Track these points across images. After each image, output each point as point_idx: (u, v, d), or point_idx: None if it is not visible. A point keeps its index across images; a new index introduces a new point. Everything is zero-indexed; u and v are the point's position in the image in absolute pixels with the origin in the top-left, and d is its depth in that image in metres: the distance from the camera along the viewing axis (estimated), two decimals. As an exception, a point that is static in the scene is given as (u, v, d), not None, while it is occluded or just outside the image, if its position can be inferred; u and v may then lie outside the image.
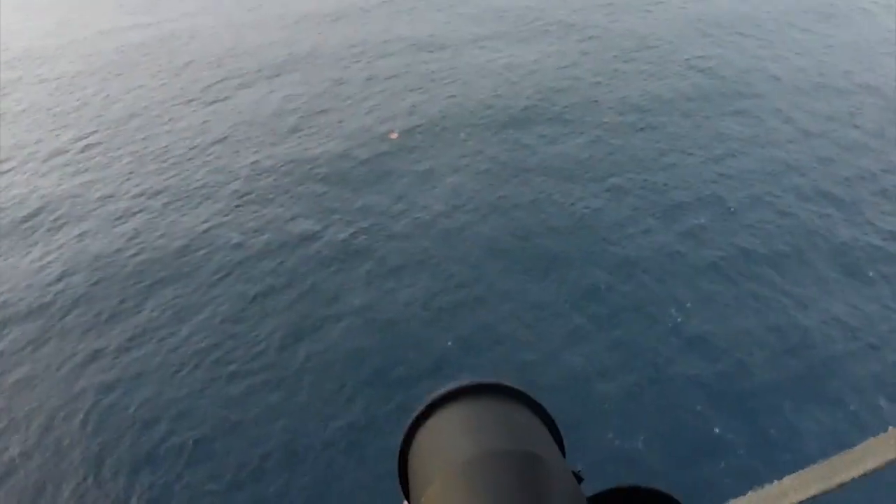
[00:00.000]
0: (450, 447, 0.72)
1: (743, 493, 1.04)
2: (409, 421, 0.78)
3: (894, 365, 7.29)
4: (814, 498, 1.03)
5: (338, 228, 9.93)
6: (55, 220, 11.02)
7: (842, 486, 1.05)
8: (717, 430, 6.65)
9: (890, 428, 1.08)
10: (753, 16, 17.63)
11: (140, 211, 10.96)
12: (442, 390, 0.78)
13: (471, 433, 0.73)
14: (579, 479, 0.71)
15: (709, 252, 8.99)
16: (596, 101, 12.97)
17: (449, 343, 7.83)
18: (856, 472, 1.05)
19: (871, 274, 8.53)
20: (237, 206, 10.73)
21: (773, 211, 9.72)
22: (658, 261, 8.83)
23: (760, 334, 7.71)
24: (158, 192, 11.46)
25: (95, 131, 14.09)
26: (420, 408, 0.78)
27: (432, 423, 0.77)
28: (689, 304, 8.10)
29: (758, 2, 18.60)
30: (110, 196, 11.53)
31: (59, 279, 9.56)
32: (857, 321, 7.81)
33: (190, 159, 12.42)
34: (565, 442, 0.77)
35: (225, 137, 13.14)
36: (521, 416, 0.76)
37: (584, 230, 9.55)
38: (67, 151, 13.33)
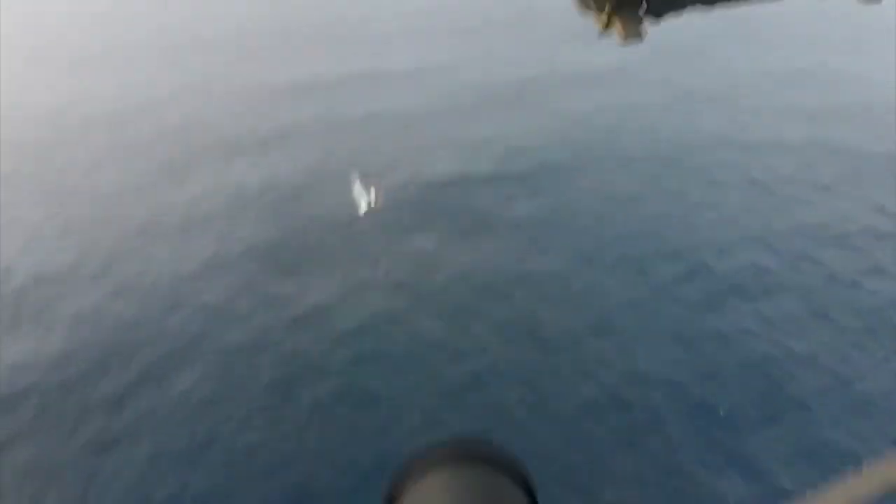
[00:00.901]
0: None
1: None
2: (385, 490, 0.77)
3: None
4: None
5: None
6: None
7: None
8: None
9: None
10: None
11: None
12: (417, 456, 0.77)
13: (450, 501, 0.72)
14: None
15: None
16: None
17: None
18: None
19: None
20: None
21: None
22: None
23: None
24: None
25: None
26: (396, 475, 0.77)
27: (413, 490, 0.75)
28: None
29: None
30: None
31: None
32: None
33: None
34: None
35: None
36: (500, 481, 0.74)
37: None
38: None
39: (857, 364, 7.84)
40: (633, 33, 1.14)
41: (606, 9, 1.13)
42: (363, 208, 12.00)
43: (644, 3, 1.13)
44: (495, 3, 27.35)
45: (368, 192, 12.34)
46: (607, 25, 1.14)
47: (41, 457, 7.69)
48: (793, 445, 6.89)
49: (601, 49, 19.02)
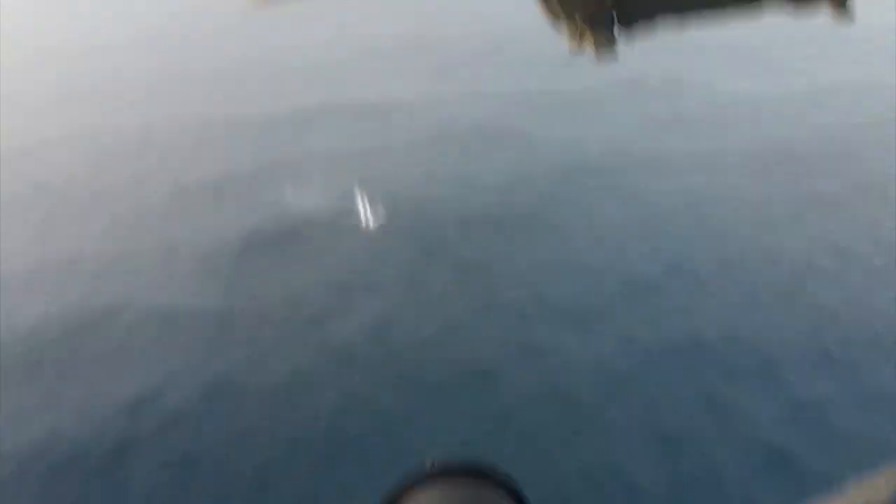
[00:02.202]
0: None
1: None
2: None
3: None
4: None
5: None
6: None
7: None
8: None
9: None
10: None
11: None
12: (415, 474, 0.77)
13: None
14: None
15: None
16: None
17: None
18: None
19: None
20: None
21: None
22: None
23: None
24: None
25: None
26: (391, 493, 0.77)
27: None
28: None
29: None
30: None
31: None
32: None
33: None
34: None
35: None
36: (494, 499, 0.75)
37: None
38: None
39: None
40: (607, 49, 1.12)
41: (578, 24, 1.11)
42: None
43: (615, 18, 1.12)
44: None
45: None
46: (580, 42, 1.12)
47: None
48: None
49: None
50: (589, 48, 1.16)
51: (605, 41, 1.14)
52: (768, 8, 1.24)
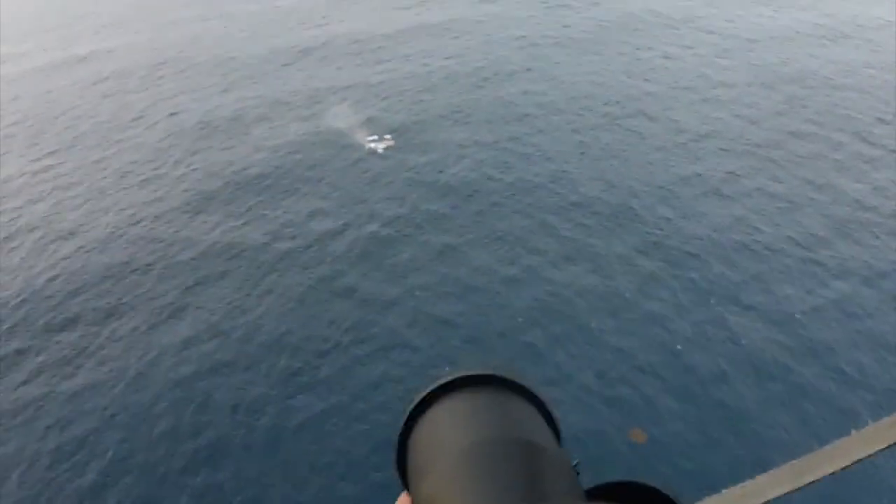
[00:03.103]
0: (448, 436, 0.72)
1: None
2: (408, 410, 0.77)
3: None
4: (786, 495, 1.07)
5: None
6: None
7: (812, 483, 1.09)
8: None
9: (853, 431, 1.16)
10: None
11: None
12: (441, 380, 0.77)
13: (469, 423, 0.73)
14: (576, 472, 0.71)
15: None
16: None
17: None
18: (827, 470, 1.09)
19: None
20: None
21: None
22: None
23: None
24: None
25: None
26: (419, 397, 0.78)
27: (431, 412, 0.77)
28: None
29: None
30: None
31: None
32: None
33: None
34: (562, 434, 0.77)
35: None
36: (519, 406, 0.75)
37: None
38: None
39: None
40: None
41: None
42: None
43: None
44: None
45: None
46: None
47: None
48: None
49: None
50: None
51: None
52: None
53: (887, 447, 1.14)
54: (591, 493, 0.69)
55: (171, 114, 16.40)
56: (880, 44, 17.83)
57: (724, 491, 1.03)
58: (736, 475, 1.05)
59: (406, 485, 0.75)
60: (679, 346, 8.84)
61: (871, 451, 1.12)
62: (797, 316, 9.24)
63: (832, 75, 16.13)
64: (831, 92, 15.21)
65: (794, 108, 14.67)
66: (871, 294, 9.52)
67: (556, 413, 0.77)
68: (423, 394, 0.78)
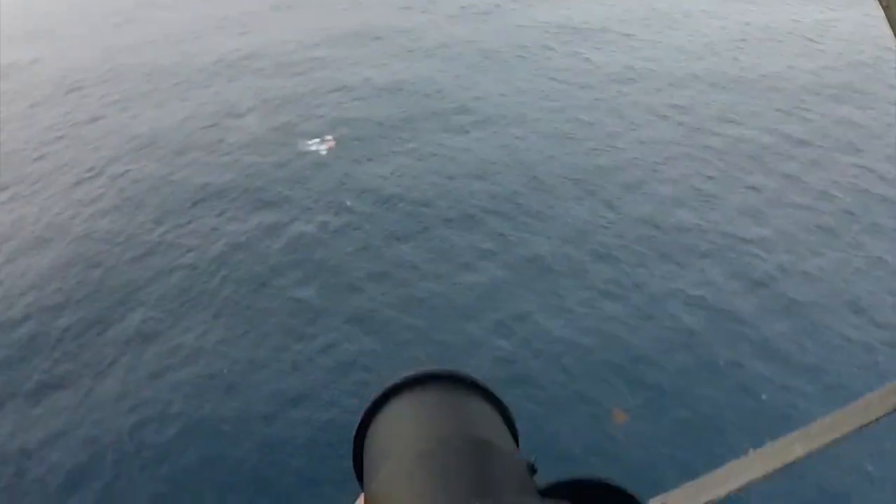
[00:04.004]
0: (403, 434, 0.73)
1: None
2: (365, 408, 0.78)
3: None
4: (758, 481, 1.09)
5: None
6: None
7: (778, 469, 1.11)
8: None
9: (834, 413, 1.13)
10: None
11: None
12: (398, 379, 0.78)
13: (424, 421, 0.74)
14: (533, 471, 0.70)
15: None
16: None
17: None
18: (799, 452, 1.10)
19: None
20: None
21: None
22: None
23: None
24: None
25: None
26: (375, 395, 0.78)
27: (387, 410, 0.77)
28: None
29: None
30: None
31: None
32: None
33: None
34: (520, 433, 0.78)
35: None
36: (476, 405, 0.76)
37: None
38: None
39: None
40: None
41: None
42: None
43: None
44: None
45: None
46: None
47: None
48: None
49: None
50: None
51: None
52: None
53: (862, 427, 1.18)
54: (546, 491, 0.68)
55: (99, 125, 16.09)
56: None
57: (701, 477, 1.06)
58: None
59: (361, 481, 0.76)
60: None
61: (846, 431, 1.17)
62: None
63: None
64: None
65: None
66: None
67: (513, 411, 0.78)
68: (379, 392, 0.78)
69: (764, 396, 7.77)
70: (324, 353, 8.83)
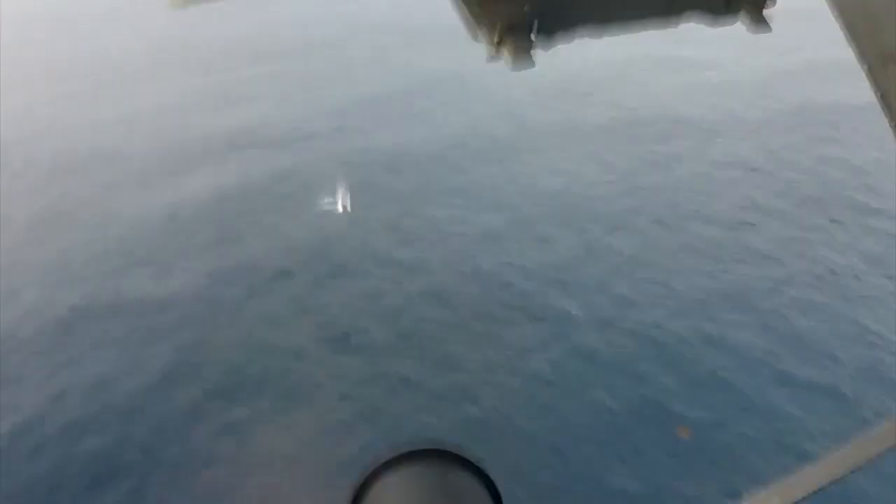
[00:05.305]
0: None
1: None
2: (356, 484, 0.78)
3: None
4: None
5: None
6: None
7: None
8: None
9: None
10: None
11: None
12: (387, 455, 0.79)
13: (412, 498, 0.75)
14: None
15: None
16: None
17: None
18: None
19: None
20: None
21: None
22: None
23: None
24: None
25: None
26: (364, 474, 0.79)
27: (376, 489, 0.77)
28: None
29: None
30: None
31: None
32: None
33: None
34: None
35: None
36: (462, 480, 0.77)
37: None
38: None
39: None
40: (524, 58, 1.09)
41: (497, 33, 1.08)
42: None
43: (535, 26, 1.10)
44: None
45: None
46: (498, 49, 1.10)
47: None
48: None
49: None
50: (507, 55, 1.13)
51: (523, 48, 1.11)
52: (688, 19, 1.24)
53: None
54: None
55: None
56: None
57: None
58: None
59: None
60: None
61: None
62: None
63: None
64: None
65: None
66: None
67: (499, 486, 0.78)
68: (369, 470, 0.79)
69: None
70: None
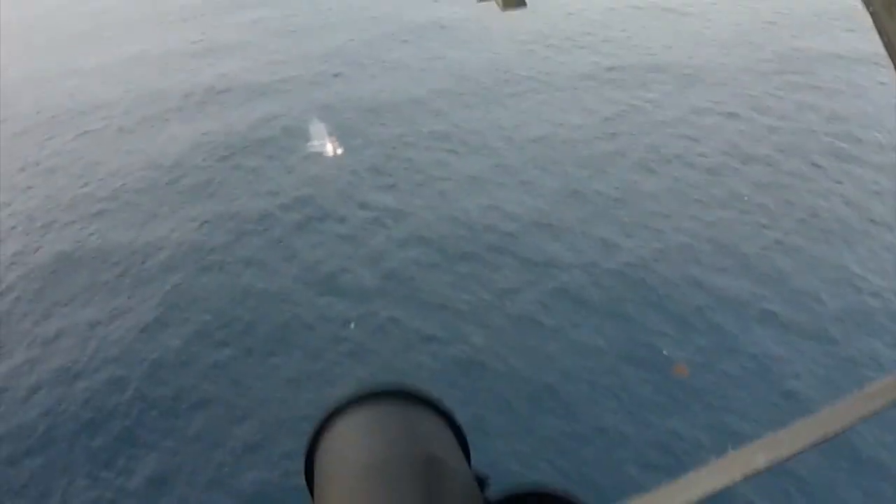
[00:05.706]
0: (352, 450, 0.74)
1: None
2: (316, 425, 0.79)
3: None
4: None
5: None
6: None
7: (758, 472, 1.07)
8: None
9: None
10: None
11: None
12: (348, 395, 0.79)
13: (374, 437, 0.75)
14: (484, 484, 0.72)
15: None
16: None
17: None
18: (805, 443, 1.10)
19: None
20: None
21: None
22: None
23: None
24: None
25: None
26: (326, 412, 0.79)
27: (338, 426, 0.78)
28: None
29: None
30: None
31: None
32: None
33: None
34: (471, 447, 0.79)
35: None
36: (425, 420, 0.77)
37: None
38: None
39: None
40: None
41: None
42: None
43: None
44: None
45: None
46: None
47: None
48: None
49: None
50: (496, -2, 1.12)
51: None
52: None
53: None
54: None
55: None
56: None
57: (665, 485, 1.03)
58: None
59: (313, 498, 0.76)
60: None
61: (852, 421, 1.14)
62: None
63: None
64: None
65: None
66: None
67: (464, 428, 0.79)
68: (331, 408, 0.80)
69: None
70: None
